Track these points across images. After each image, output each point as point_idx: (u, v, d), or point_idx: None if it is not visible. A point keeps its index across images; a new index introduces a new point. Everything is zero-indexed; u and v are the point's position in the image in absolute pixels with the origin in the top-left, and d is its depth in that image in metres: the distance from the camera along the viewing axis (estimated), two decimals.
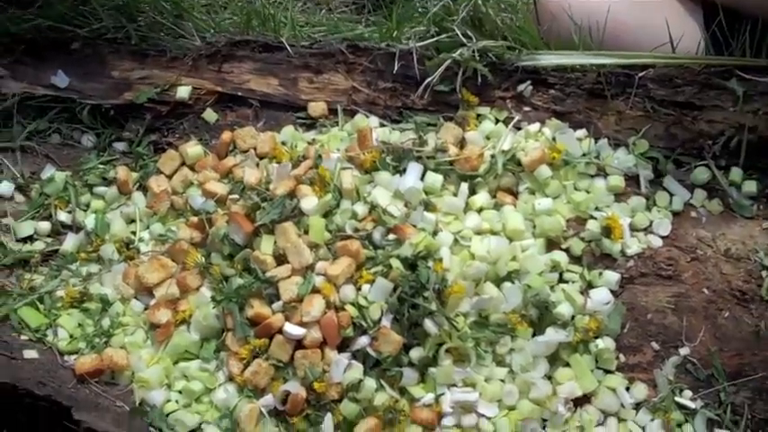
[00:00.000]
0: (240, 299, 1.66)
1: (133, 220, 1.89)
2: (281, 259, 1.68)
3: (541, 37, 1.93)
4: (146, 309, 1.76)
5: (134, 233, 1.87)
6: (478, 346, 1.62)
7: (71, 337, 1.74)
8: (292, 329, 1.61)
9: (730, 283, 1.67)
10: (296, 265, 1.66)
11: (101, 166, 1.96)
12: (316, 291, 1.64)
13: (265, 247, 1.68)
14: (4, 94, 2.00)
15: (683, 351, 1.64)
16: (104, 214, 1.90)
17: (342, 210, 1.71)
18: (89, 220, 1.89)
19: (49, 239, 1.90)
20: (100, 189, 1.94)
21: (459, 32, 1.84)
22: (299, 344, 1.63)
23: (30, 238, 1.89)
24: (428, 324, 1.59)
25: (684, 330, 1.65)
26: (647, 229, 1.75)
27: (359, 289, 1.64)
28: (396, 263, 1.63)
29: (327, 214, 1.72)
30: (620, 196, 1.77)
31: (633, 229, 1.74)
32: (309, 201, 1.71)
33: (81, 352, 1.71)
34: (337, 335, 1.62)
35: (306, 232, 1.69)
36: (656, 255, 1.71)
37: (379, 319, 1.62)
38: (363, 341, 1.62)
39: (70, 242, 1.88)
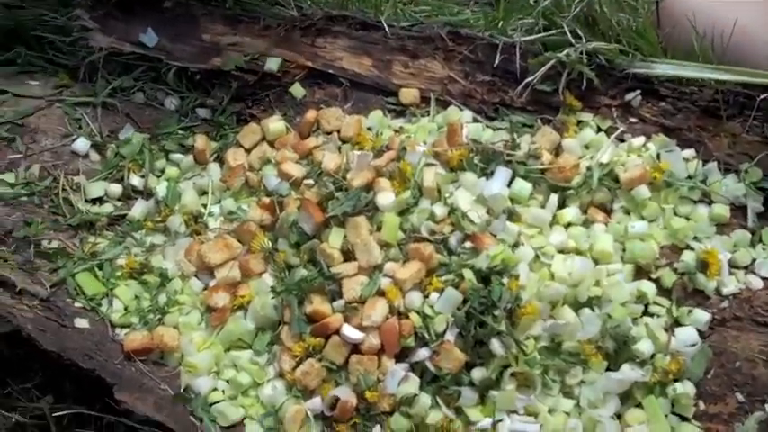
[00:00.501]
0: (301, 292, 1.58)
1: (205, 193, 1.82)
2: (348, 255, 1.60)
3: (660, 42, 1.78)
4: (205, 289, 1.69)
5: (204, 206, 1.81)
6: (546, 373, 1.52)
7: (125, 309, 1.69)
8: (350, 332, 1.53)
9: None
10: (363, 264, 1.57)
11: (180, 132, 1.90)
12: (380, 293, 1.56)
13: (334, 240, 1.60)
14: (92, 47, 1.93)
15: None
16: (177, 183, 1.84)
17: (419, 209, 1.62)
18: (161, 188, 1.83)
19: (119, 203, 1.84)
20: (176, 156, 1.88)
21: (567, 30, 1.70)
22: (355, 348, 1.55)
23: (99, 200, 1.84)
24: (495, 344, 1.49)
25: None
26: (749, 268, 1.60)
27: (426, 297, 1.55)
28: (468, 274, 1.53)
29: (404, 212, 1.63)
30: (722, 227, 1.63)
31: (733, 265, 1.59)
32: (386, 196, 1.61)
33: (133, 327, 1.66)
34: (397, 343, 1.53)
35: (378, 229, 1.61)
36: (755, 297, 1.56)
37: (444, 333, 1.52)
38: (424, 353, 1.53)
39: (139, 209, 1.82)
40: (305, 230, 1.63)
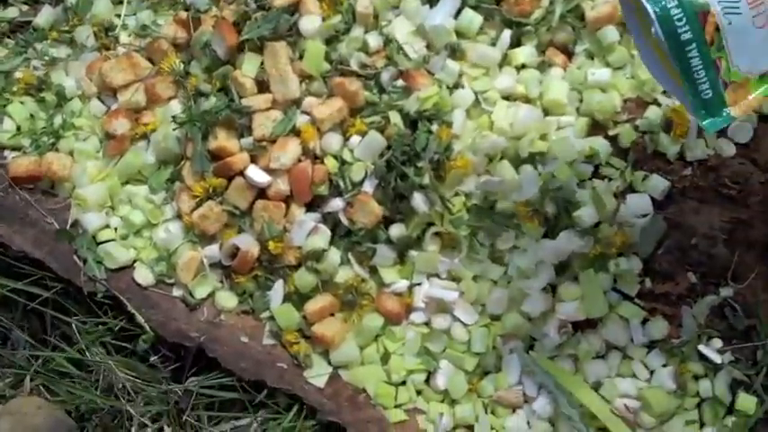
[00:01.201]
0: (206, 125, 1.39)
1: (121, 2, 1.61)
2: (263, 86, 1.41)
3: None
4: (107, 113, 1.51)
5: (119, 17, 1.60)
6: (474, 235, 1.36)
7: (18, 130, 1.52)
8: (256, 174, 1.37)
9: None
10: (278, 97, 1.39)
11: None
12: (295, 133, 1.38)
13: (248, 67, 1.41)
14: None
15: (725, 291, 1.32)
16: None
17: (350, 38, 1.43)
18: None
19: (25, 7, 1.65)
20: None
21: None
22: (261, 192, 1.39)
23: (3, 2, 1.65)
24: (417, 199, 1.33)
25: (734, 266, 1.32)
26: (722, 131, 1.38)
27: (347, 140, 1.38)
28: (396, 117, 1.36)
29: (331, 41, 1.44)
30: None
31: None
32: (311, 20, 1.41)
33: (23, 150, 1.49)
34: (308, 190, 1.36)
35: (300, 58, 1.41)
36: (723, 166, 1.35)
37: (361, 182, 1.35)
38: (337, 204, 1.36)
39: (45, 15, 1.62)
40: (218, 54, 1.43)
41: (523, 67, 1.43)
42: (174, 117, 1.42)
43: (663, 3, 0.96)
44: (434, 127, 1.34)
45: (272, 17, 1.40)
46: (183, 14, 1.51)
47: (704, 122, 1.04)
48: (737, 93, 1.04)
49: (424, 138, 1.32)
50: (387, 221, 1.36)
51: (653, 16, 0.97)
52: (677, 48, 0.99)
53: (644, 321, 1.34)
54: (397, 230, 1.35)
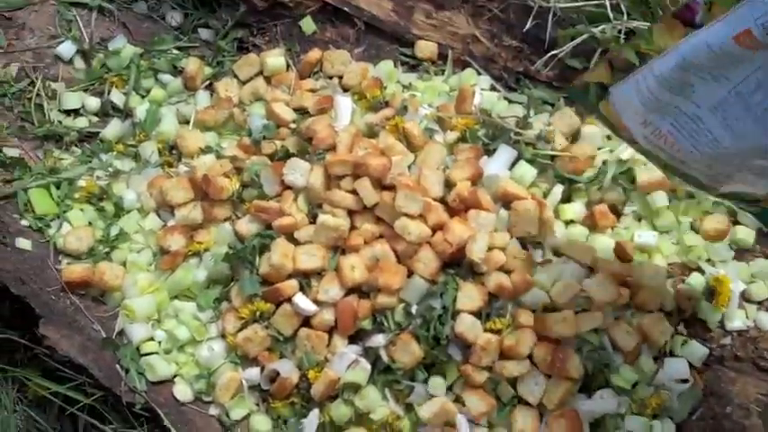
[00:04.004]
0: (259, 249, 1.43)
1: (188, 122, 1.65)
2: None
3: None
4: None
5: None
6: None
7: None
8: (303, 303, 1.38)
9: None
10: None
11: (175, 51, 1.74)
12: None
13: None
14: None
15: None
16: (159, 107, 1.68)
17: None
18: (140, 109, 1.67)
19: (95, 119, 1.70)
20: (165, 77, 1.72)
21: (608, 3, 1.50)
22: (306, 321, 1.40)
23: (74, 112, 1.69)
24: (453, 348, 1.34)
25: None
26: (763, 304, 1.40)
27: None
28: None
29: None
30: (743, 254, 1.44)
31: (745, 299, 1.40)
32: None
33: (80, 256, 1.51)
34: (352, 324, 1.37)
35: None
36: (762, 339, 1.37)
37: (404, 323, 1.36)
38: (379, 341, 1.37)
39: (113, 128, 1.67)
40: (265, 192, 1.49)
41: (571, 222, 1.46)
42: (228, 245, 1.46)
43: None
44: None
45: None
46: (247, 140, 1.55)
47: None
48: None
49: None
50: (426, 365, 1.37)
51: None
52: None
53: None
54: (438, 382, 1.35)
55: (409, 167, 1.46)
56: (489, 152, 1.48)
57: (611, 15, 1.50)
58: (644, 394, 1.33)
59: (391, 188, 1.40)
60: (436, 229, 1.38)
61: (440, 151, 1.47)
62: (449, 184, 1.43)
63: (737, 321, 1.38)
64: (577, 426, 1.31)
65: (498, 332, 1.34)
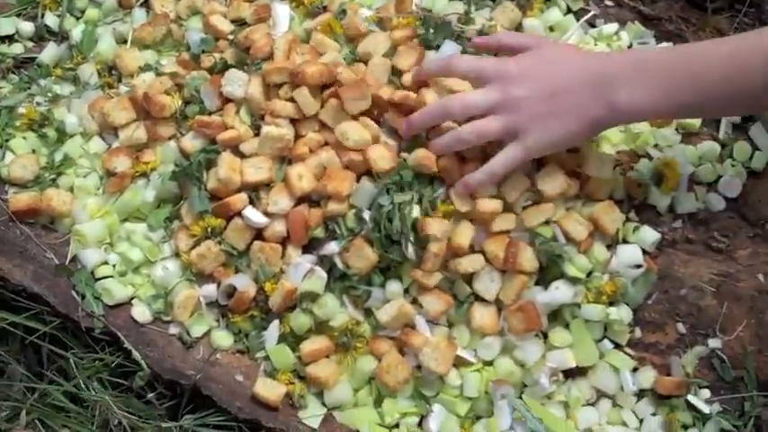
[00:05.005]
0: (205, 165, 1.41)
1: (125, 41, 1.61)
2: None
3: None
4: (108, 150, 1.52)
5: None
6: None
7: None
8: (254, 215, 1.37)
9: None
10: None
11: None
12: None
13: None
14: None
15: (713, 342, 1.34)
16: (96, 27, 1.63)
17: None
18: (76, 31, 1.62)
19: (31, 44, 1.65)
20: None
21: None
22: (259, 234, 1.39)
23: (9, 39, 1.65)
24: (407, 248, 1.33)
25: (721, 319, 1.34)
26: (712, 186, 1.42)
27: None
28: None
29: None
30: (689, 137, 1.45)
31: (694, 181, 1.41)
32: None
33: (26, 184, 1.49)
34: (304, 234, 1.37)
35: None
36: (712, 220, 1.39)
37: (356, 228, 1.36)
38: (333, 248, 1.36)
39: (50, 52, 1.62)
40: (206, 106, 1.47)
41: None
42: (174, 162, 1.43)
43: None
44: None
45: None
46: (186, 55, 1.53)
47: None
48: None
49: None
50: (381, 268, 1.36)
51: None
52: None
53: (634, 370, 1.35)
54: (394, 287, 1.35)
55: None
56: (432, 49, 1.46)
57: None
58: (599, 283, 1.34)
59: (333, 87, 1.39)
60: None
61: (383, 41, 1.46)
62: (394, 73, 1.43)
63: (687, 204, 1.39)
64: (535, 317, 1.31)
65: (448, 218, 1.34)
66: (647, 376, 1.34)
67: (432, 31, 1.47)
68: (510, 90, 1.27)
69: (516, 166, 1.30)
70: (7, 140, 1.52)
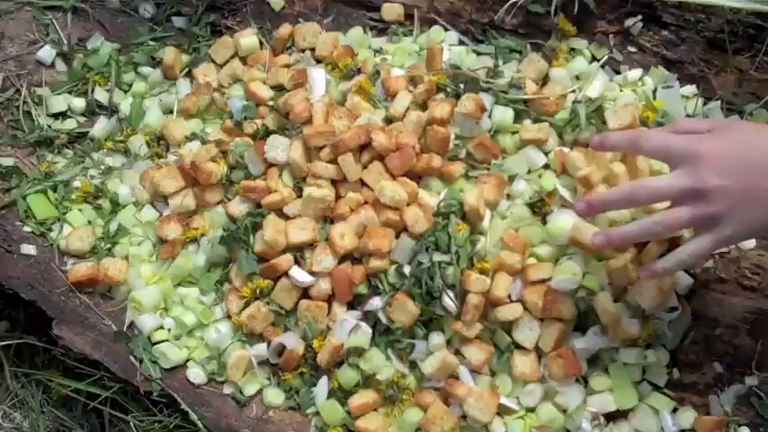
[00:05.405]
0: (253, 228, 1.48)
1: (171, 112, 1.69)
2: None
3: None
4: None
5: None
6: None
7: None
8: (299, 275, 1.43)
9: None
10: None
11: (151, 43, 1.76)
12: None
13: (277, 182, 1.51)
14: None
15: (751, 380, 1.37)
16: (143, 100, 1.72)
17: None
18: (125, 105, 1.71)
19: (83, 119, 1.73)
20: (145, 69, 1.75)
21: None
22: (305, 293, 1.45)
23: (62, 115, 1.73)
24: (447, 302, 1.38)
25: (757, 355, 1.37)
26: None
27: None
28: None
29: None
30: None
31: None
32: None
33: (83, 255, 1.57)
34: (349, 290, 1.43)
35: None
36: (743, 258, 1.41)
37: (397, 283, 1.41)
38: (376, 303, 1.42)
39: (101, 126, 1.70)
40: (251, 171, 1.54)
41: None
42: (223, 227, 1.50)
43: None
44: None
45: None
46: (230, 122, 1.60)
47: None
48: None
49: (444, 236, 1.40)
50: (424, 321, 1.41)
51: None
52: None
53: (673, 410, 1.38)
54: (437, 339, 1.40)
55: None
56: None
57: None
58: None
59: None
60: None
61: (406, 96, 1.52)
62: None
63: None
64: (575, 363, 1.36)
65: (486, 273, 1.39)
66: (687, 416, 1.37)
67: (462, 86, 1.53)
68: (701, 176, 1.17)
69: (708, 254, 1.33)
70: (64, 213, 1.60)
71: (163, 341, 1.51)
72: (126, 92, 1.75)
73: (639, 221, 1.24)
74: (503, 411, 1.39)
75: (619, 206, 1.29)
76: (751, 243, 1.41)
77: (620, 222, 1.36)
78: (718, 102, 1.49)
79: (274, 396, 1.46)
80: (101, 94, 1.73)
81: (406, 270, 1.40)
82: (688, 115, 1.48)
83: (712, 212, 1.17)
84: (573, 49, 1.59)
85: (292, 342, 1.44)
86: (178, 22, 1.79)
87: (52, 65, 1.76)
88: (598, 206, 1.28)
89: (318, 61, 1.65)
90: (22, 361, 1.64)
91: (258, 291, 1.46)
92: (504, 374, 1.40)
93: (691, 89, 1.51)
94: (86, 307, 1.53)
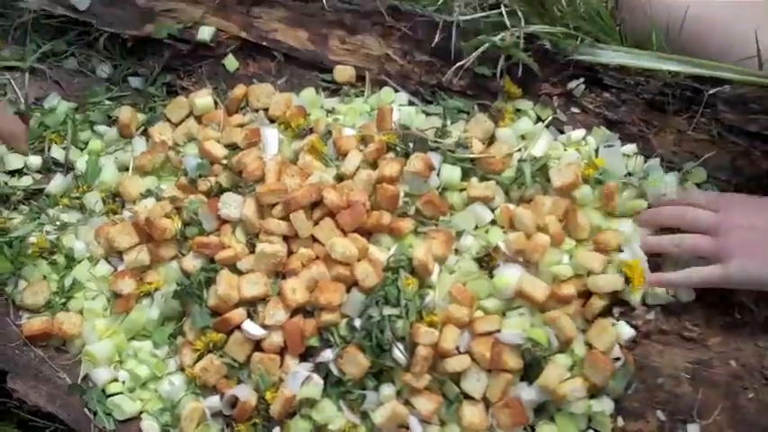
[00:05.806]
0: (206, 283, 1.50)
1: (127, 169, 1.72)
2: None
3: (618, 25, 1.67)
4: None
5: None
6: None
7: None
8: (252, 329, 1.46)
9: (763, 360, 1.42)
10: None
11: (108, 102, 1.80)
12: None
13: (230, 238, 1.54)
14: (22, 9, 1.84)
15: (692, 428, 1.40)
16: (99, 157, 1.75)
17: None
18: (81, 162, 1.74)
19: (39, 176, 1.75)
20: (101, 128, 1.78)
21: (505, 11, 1.57)
22: (257, 345, 1.48)
23: (19, 172, 1.75)
24: (397, 354, 1.41)
25: (698, 404, 1.41)
26: None
27: None
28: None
29: None
30: (659, 231, 1.51)
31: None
32: None
33: (38, 309, 1.58)
34: (301, 343, 1.46)
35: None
36: (685, 311, 1.46)
37: (348, 336, 1.45)
38: (328, 355, 1.45)
39: (57, 183, 1.72)
40: (205, 228, 1.57)
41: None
42: (177, 282, 1.53)
43: None
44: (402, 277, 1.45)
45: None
46: (184, 180, 1.63)
47: None
48: None
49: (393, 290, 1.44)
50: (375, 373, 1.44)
51: None
52: None
53: None
54: (387, 390, 1.43)
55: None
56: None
57: (508, 23, 1.57)
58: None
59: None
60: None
61: (356, 155, 1.57)
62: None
63: (660, 297, 1.47)
64: (521, 413, 1.39)
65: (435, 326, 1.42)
66: None
67: (411, 145, 1.58)
68: (729, 216, 1.43)
69: (711, 286, 1.43)
70: (19, 269, 1.61)
71: (117, 393, 1.52)
72: (82, 150, 1.78)
73: (672, 237, 1.47)
74: None
75: (667, 223, 1.50)
76: (691, 296, 1.46)
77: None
78: (658, 159, 1.55)
79: None
80: (57, 152, 1.75)
81: (357, 323, 1.44)
82: (628, 173, 1.55)
83: (727, 246, 1.40)
84: (518, 110, 1.64)
85: (245, 394, 1.45)
86: (134, 82, 1.83)
87: None
88: (650, 221, 1.51)
89: (272, 121, 1.70)
90: None
91: (211, 344, 1.48)
92: (454, 424, 1.43)
93: (631, 148, 1.57)
94: (41, 360, 1.54)
